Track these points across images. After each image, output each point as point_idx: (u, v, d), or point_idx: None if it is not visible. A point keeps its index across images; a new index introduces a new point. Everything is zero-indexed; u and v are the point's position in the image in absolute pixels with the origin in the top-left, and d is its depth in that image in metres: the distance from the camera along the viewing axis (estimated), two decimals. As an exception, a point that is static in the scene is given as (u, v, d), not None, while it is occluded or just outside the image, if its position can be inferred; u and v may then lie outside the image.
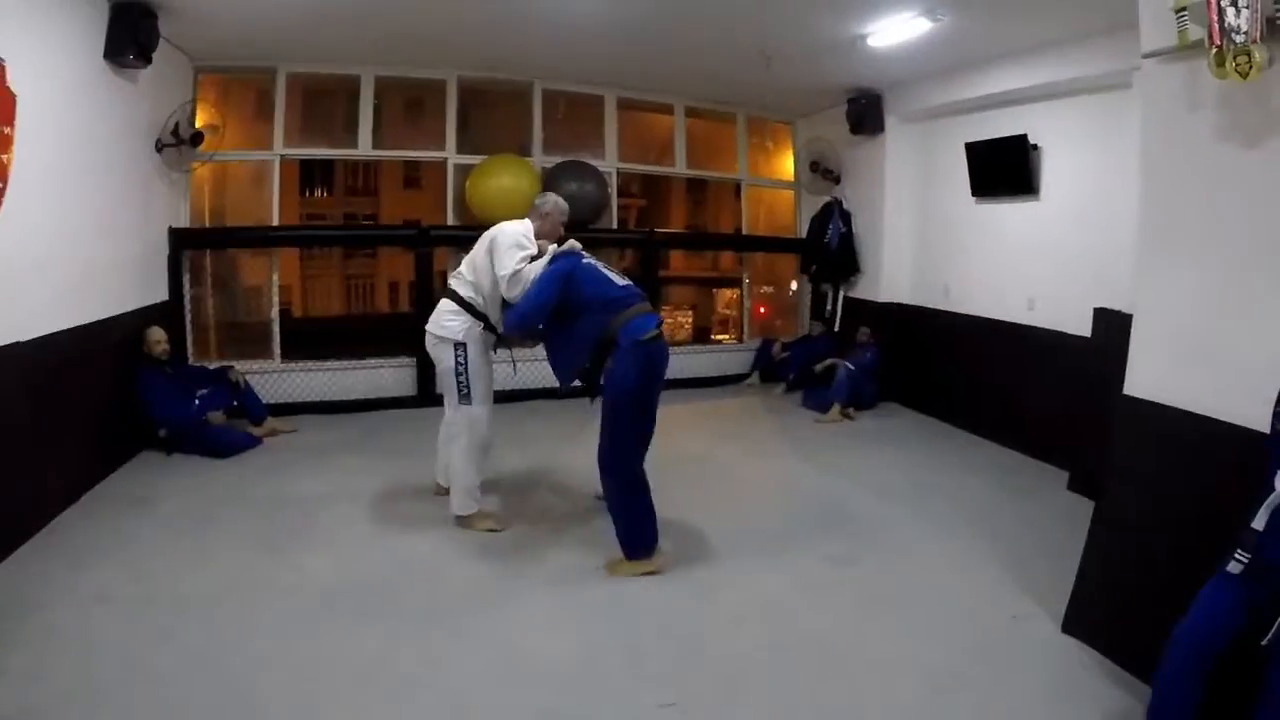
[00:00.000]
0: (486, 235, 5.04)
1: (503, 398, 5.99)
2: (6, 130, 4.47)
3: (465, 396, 5.04)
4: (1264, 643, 2.57)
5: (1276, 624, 2.54)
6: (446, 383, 5.12)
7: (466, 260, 5.13)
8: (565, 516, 5.42)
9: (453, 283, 5.15)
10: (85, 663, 3.45)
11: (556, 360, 4.88)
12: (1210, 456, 3.22)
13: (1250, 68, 2.81)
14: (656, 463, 5.40)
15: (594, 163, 9.06)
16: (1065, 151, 6.82)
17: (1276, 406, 2.70)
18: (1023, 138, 6.98)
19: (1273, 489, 2.61)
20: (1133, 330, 3.63)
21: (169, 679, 3.36)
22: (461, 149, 8.74)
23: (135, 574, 4.33)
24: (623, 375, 4.41)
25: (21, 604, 3.93)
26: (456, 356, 4.98)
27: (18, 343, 4.58)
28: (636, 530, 4.55)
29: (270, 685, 3.34)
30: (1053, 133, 6.90)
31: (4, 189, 4.46)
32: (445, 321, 5.02)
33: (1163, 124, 3.46)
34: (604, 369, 4.50)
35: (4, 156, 4.45)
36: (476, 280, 5.03)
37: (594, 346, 4.53)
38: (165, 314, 7.01)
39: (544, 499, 5.80)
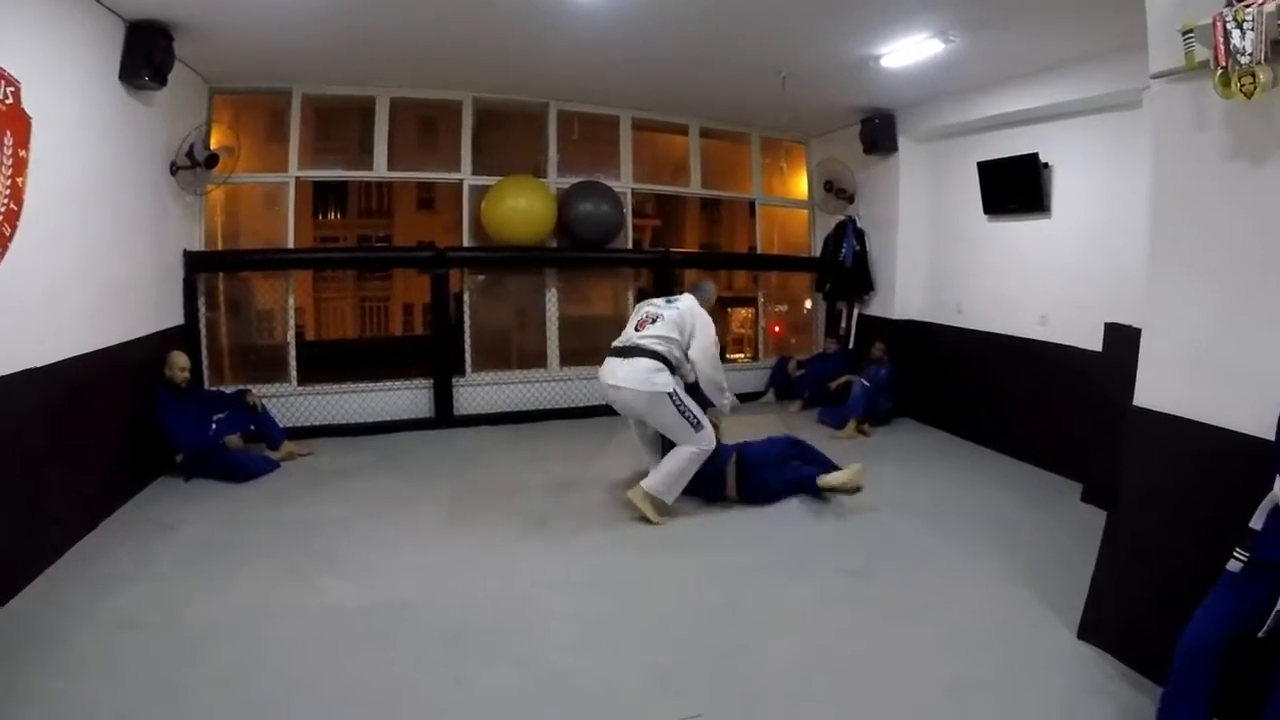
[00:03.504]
0: (686, 309, 5.72)
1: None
2: (22, 153, 4.47)
3: (697, 425, 5.56)
4: (1260, 634, 2.67)
5: (1272, 615, 2.64)
6: (671, 427, 5.59)
7: (668, 324, 5.62)
8: (591, 525, 5.57)
9: (652, 344, 5.55)
10: (111, 688, 3.46)
11: None
12: (1218, 465, 3.27)
13: (1255, 88, 2.88)
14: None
15: (609, 183, 9.06)
16: (1076, 170, 6.85)
17: None
18: (1034, 156, 7.00)
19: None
20: (1142, 343, 3.68)
21: (194, 703, 3.38)
22: (476, 170, 8.74)
23: (157, 599, 4.33)
24: None
25: (46, 630, 3.95)
26: (675, 405, 5.46)
27: (33, 368, 4.56)
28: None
29: (297, 708, 3.36)
30: (1064, 151, 6.91)
31: (19, 212, 4.45)
32: (655, 379, 5.43)
33: (1172, 143, 3.52)
34: None
35: (19, 180, 4.45)
36: (677, 340, 5.60)
37: None
38: (181, 338, 7.01)
39: (573, 503, 6.02)
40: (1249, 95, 2.89)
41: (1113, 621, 3.80)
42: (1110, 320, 5.84)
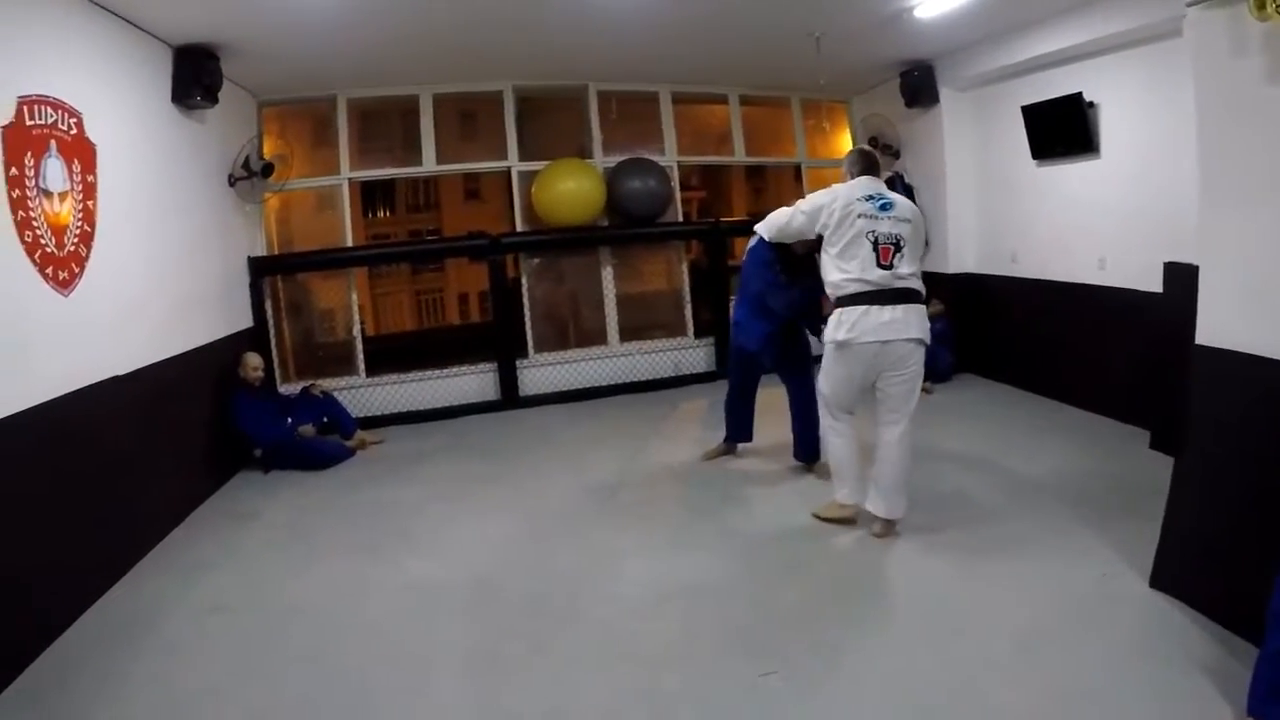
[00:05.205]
0: (917, 217, 4.62)
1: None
2: (90, 178, 4.70)
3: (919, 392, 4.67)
4: None
5: None
6: (911, 387, 4.58)
7: (912, 247, 4.51)
8: (660, 494, 5.68)
9: (912, 282, 4.49)
10: (205, 667, 3.67)
11: None
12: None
13: (1291, 8, 2.76)
14: (747, 445, 6.14)
15: (654, 158, 9.10)
16: (1123, 106, 6.64)
17: None
18: (1078, 96, 6.82)
19: None
20: (1200, 279, 3.59)
21: (285, 678, 3.54)
22: (522, 157, 8.84)
23: (245, 583, 4.57)
24: None
25: (141, 617, 4.18)
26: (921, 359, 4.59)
27: (119, 375, 4.84)
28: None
29: (383, 678, 3.50)
30: (1109, 88, 6.72)
31: (93, 234, 4.68)
32: (926, 324, 4.54)
33: (1212, 71, 3.42)
34: None
35: (90, 203, 4.67)
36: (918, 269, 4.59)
37: None
38: (252, 339, 7.29)
39: (641, 474, 6.11)
40: (1286, 16, 2.79)
41: (1185, 568, 3.69)
42: (1169, 259, 5.70)
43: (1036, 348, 7.87)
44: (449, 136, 8.81)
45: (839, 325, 4.45)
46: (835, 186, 4.73)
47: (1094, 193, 6.99)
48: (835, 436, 4.83)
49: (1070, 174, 7.28)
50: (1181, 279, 5.05)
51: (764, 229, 5.20)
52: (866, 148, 5.06)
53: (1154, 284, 5.91)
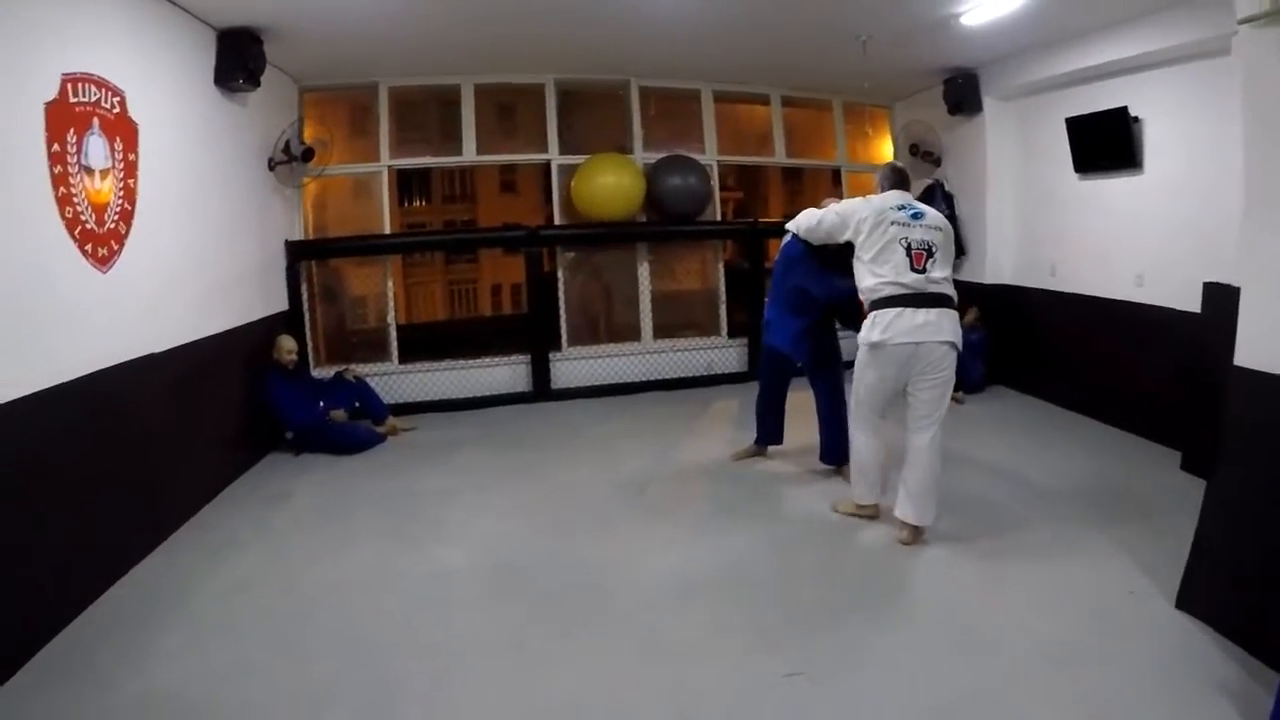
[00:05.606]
0: (946, 227, 4.73)
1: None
2: (131, 157, 4.72)
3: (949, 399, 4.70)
4: None
5: None
6: (942, 391, 4.60)
7: (944, 254, 4.63)
8: (690, 492, 5.68)
9: (945, 287, 4.59)
10: (233, 644, 3.70)
11: None
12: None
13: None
14: (777, 447, 6.09)
15: (694, 156, 9.03)
16: (1168, 123, 6.51)
17: None
18: (1123, 110, 6.70)
19: None
20: (1240, 299, 3.52)
21: (312, 658, 3.57)
22: (562, 150, 8.84)
23: (274, 564, 4.62)
24: None
25: (170, 592, 4.23)
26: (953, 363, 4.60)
27: (154, 353, 4.87)
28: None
29: (409, 662, 3.53)
30: (1154, 104, 6.59)
31: (133, 211, 4.71)
32: (959, 328, 4.60)
33: (1261, 90, 3.36)
34: None
35: (130, 181, 4.70)
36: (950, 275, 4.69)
37: None
38: (287, 323, 7.35)
39: (671, 471, 6.11)
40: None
41: (1212, 591, 3.65)
42: (1209, 279, 5.61)
43: (1070, 362, 7.77)
44: (486, 129, 8.80)
45: (873, 327, 4.55)
46: (868, 196, 4.90)
47: (1135, 209, 6.88)
48: (862, 439, 4.94)
49: (1112, 189, 7.15)
50: (1221, 300, 5.01)
51: (795, 226, 5.35)
52: (898, 164, 5.20)
53: (1192, 304, 5.86)
